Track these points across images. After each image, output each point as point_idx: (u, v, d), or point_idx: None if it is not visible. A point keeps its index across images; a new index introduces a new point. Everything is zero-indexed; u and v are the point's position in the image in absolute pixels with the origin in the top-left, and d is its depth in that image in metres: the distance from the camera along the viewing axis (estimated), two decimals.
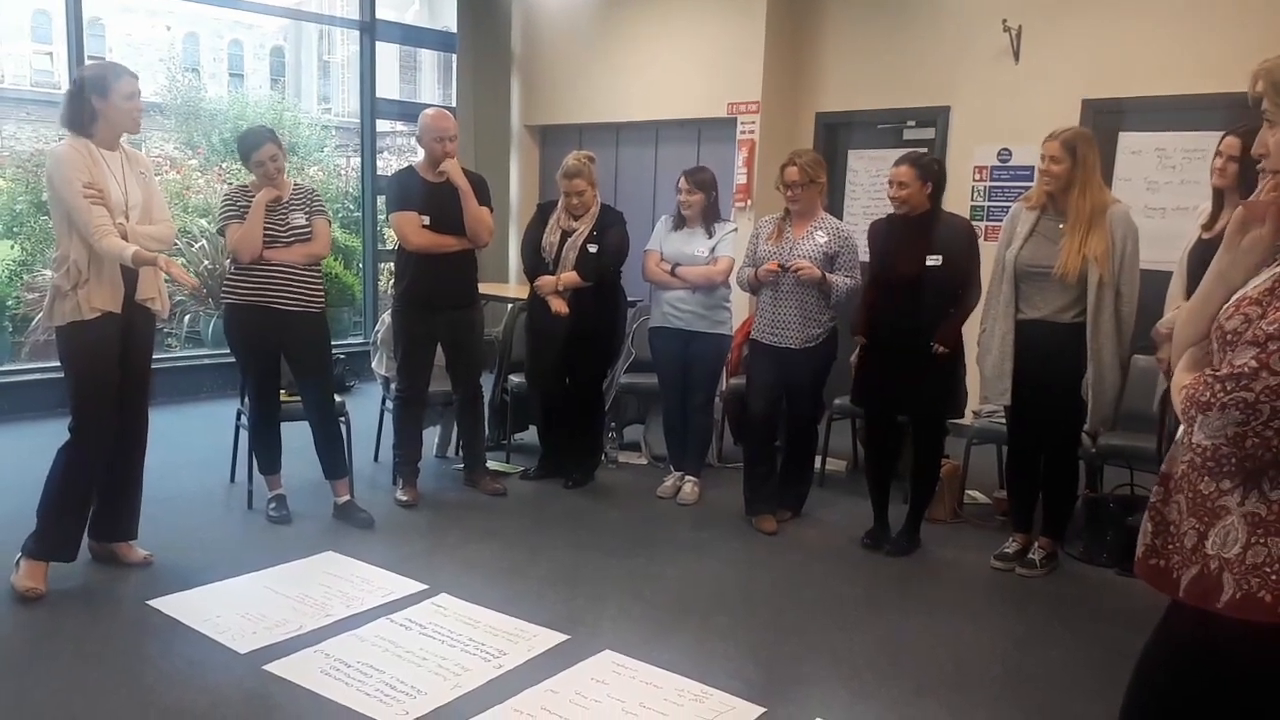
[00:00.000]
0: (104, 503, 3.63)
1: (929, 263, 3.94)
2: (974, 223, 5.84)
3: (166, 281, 3.59)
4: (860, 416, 5.17)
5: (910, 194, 3.94)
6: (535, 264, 4.76)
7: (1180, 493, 1.39)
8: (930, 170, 4.00)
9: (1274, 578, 1.31)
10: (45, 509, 3.42)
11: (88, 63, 3.43)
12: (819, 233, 4.26)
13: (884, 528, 4.24)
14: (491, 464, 5.05)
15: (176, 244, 7.78)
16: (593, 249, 4.65)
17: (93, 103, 3.34)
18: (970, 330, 4.09)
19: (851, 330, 4.26)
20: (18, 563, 3.42)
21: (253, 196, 4.05)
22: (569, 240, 4.65)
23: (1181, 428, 1.43)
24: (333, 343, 4.57)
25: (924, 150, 6.10)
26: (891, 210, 4.10)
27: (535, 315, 4.81)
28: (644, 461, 5.42)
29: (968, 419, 4.91)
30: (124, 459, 3.63)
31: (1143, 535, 1.48)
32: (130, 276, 3.44)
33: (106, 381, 3.43)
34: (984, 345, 3.92)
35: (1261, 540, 1.32)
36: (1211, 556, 1.35)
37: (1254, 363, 1.28)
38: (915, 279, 3.96)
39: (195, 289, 3.66)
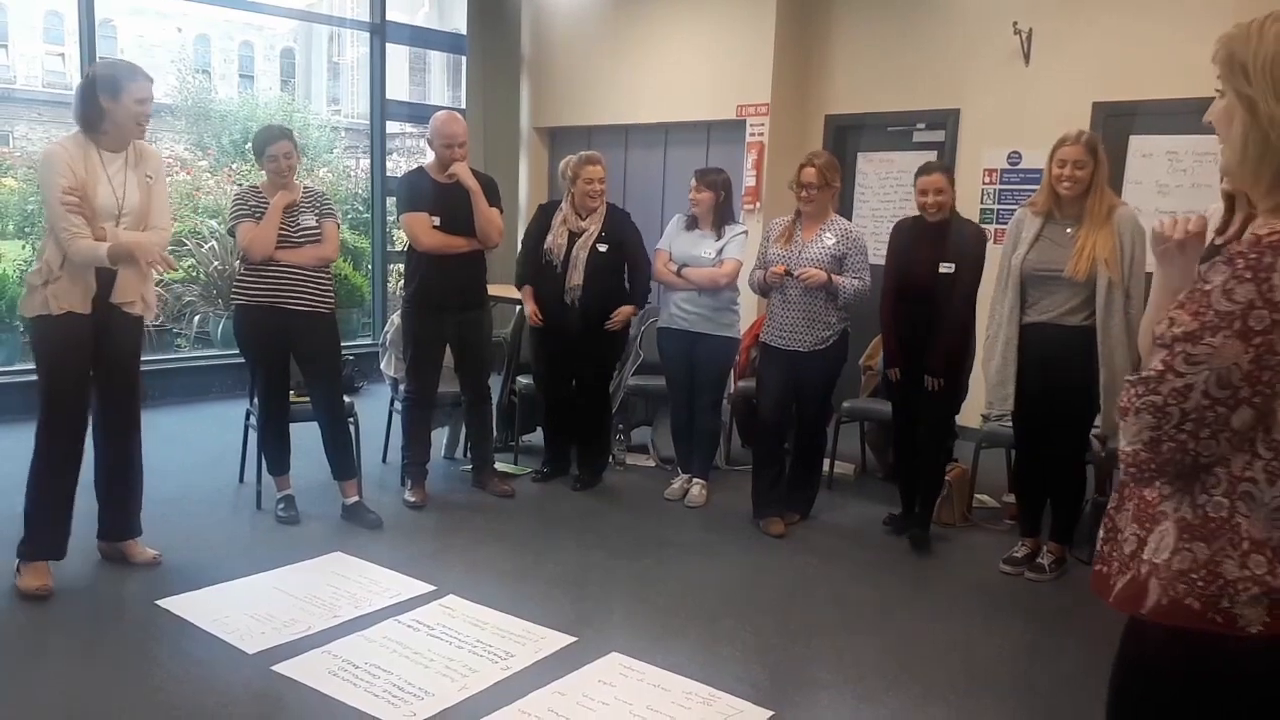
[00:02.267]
0: (103, 503, 3.65)
1: (942, 270, 4.03)
2: (984, 225, 5.84)
3: (161, 283, 3.58)
4: (869, 420, 5.18)
5: (946, 200, 4.07)
6: (534, 269, 4.76)
7: (1131, 499, 1.40)
8: (952, 175, 4.13)
9: (1200, 583, 1.31)
10: (28, 508, 3.43)
11: (102, 59, 3.39)
12: (827, 235, 4.25)
13: (910, 511, 4.34)
14: (499, 465, 5.05)
15: (185, 244, 7.84)
16: (603, 248, 4.65)
17: (102, 102, 3.30)
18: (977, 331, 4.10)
19: (885, 359, 4.36)
20: (17, 568, 3.44)
21: (264, 197, 4.07)
22: (579, 240, 4.65)
23: None
24: (342, 344, 4.58)
25: (933, 156, 6.15)
26: (912, 211, 4.17)
27: (543, 313, 4.78)
28: (652, 464, 5.42)
29: (976, 422, 4.89)
30: (118, 459, 3.63)
31: (1098, 543, 1.48)
32: (105, 278, 3.38)
33: (74, 379, 3.40)
34: (988, 350, 3.92)
35: (1188, 545, 1.32)
36: (1144, 561, 1.36)
37: (1160, 365, 1.28)
38: (929, 284, 4.05)
39: (170, 267, 3.64)
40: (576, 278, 4.62)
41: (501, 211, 4.56)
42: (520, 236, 8.07)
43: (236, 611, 3.34)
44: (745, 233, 4.72)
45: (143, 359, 6.27)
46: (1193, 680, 1.36)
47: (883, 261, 4.36)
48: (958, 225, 4.14)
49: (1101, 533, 1.46)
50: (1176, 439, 1.28)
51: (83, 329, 3.38)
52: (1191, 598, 1.31)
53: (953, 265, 4.03)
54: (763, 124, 6.59)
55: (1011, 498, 4.53)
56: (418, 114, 8.66)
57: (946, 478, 4.50)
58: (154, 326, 7.03)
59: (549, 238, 4.71)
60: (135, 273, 3.44)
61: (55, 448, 3.41)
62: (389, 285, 7.96)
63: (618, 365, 5.18)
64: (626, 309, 4.74)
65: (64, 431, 3.41)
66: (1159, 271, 1.54)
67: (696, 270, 4.61)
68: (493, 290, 5.00)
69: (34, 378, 3.45)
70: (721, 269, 4.59)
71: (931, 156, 6.17)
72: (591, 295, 4.64)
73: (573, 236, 4.67)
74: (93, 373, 3.51)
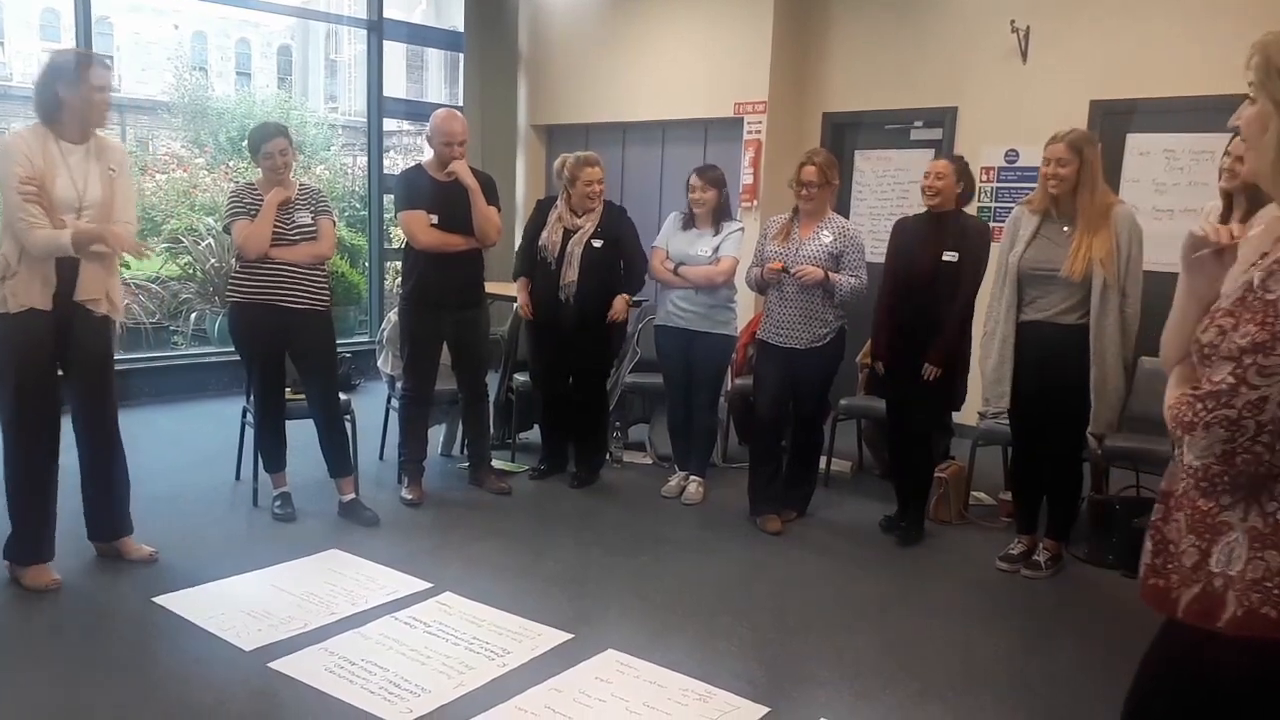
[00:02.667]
0: (88, 503, 3.63)
1: (945, 258, 4.04)
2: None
3: (155, 281, 3.51)
4: (866, 417, 5.18)
5: (945, 185, 4.06)
6: (531, 263, 4.77)
7: (1180, 510, 1.38)
8: (964, 172, 4.14)
9: (1276, 592, 1.29)
10: (10, 511, 3.40)
11: (56, 49, 3.26)
12: (824, 232, 4.26)
13: (906, 509, 4.32)
14: (496, 463, 5.05)
15: (182, 241, 7.83)
16: (598, 244, 4.65)
17: (59, 92, 3.22)
18: (974, 329, 4.10)
19: (873, 353, 4.39)
20: (9, 568, 3.43)
21: (259, 194, 4.06)
22: (574, 237, 4.65)
23: (1175, 445, 1.41)
24: (338, 341, 4.57)
25: (930, 154, 6.15)
26: (910, 209, 4.18)
27: (540, 310, 4.80)
28: (649, 461, 5.42)
29: (973, 420, 4.90)
30: (97, 460, 3.58)
31: (1144, 555, 1.46)
32: (67, 275, 3.29)
33: (38, 378, 3.32)
34: (985, 348, 3.92)
35: (1259, 555, 1.30)
36: (1216, 574, 1.33)
37: (1231, 379, 1.26)
38: (931, 275, 4.05)
39: (142, 253, 3.60)
40: (571, 274, 4.62)
41: (500, 210, 4.55)
42: (518, 235, 8.11)
43: (233, 609, 3.34)
44: (742, 229, 4.71)
45: (140, 356, 6.28)
46: (1264, 690, 1.34)
47: (879, 259, 4.37)
48: (963, 219, 4.16)
49: (1149, 545, 1.43)
50: (1252, 451, 1.26)
51: (44, 327, 3.29)
52: (1268, 606, 1.29)
53: (956, 254, 4.04)
54: (760, 122, 6.59)
55: (1008, 495, 4.53)
56: (415, 111, 8.67)
57: (943, 475, 4.51)
58: (151, 324, 7.04)
59: (544, 234, 4.71)
60: (99, 267, 3.36)
61: (27, 451, 3.35)
62: (386, 283, 7.96)
63: (615, 362, 5.19)
64: (621, 298, 4.72)
65: (35, 433, 3.35)
66: (1186, 278, 1.51)
67: (693, 269, 4.61)
68: (490, 288, 5.01)
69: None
70: (718, 267, 4.59)
71: (929, 154, 6.18)
72: (586, 292, 4.63)
73: (567, 234, 4.67)
74: (64, 374, 3.44)
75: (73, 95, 3.23)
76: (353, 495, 4.35)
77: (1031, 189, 4.18)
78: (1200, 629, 1.36)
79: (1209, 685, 1.39)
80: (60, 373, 3.44)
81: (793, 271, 4.20)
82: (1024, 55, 5.76)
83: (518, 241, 7.90)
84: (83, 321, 3.38)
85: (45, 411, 3.37)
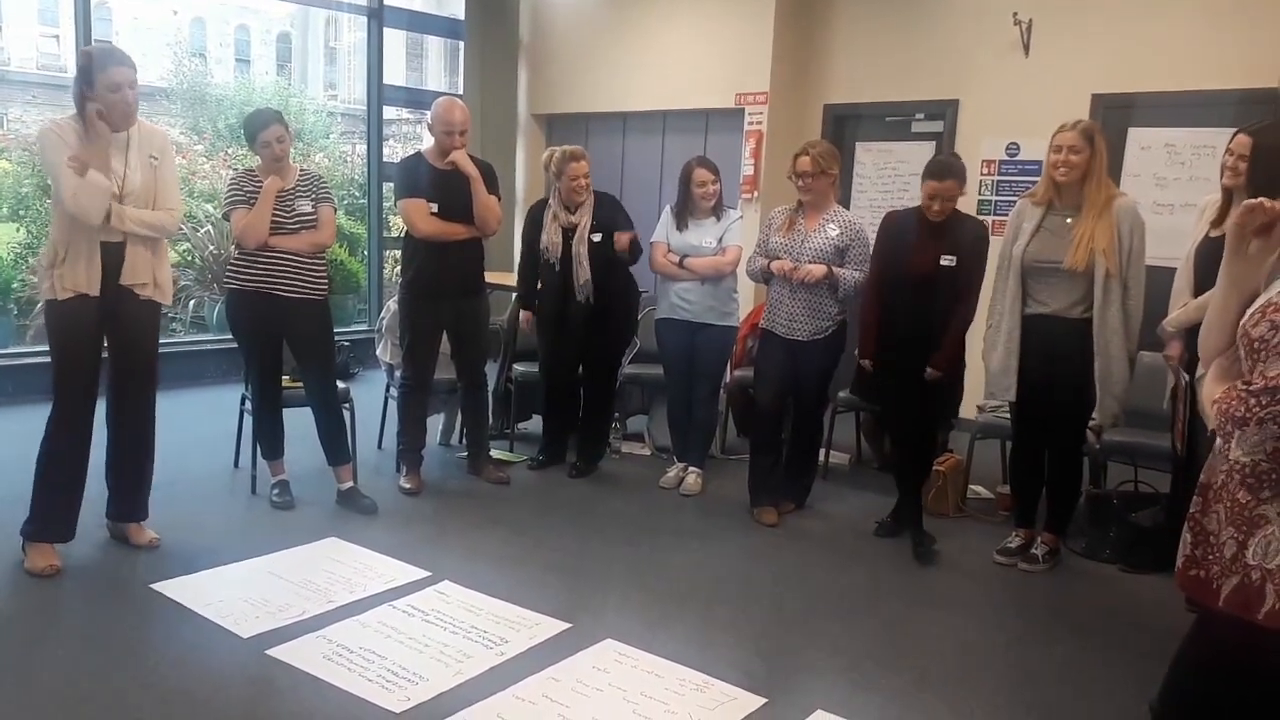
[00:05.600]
0: (113, 487, 3.69)
1: (943, 263, 3.90)
2: (982, 217, 5.84)
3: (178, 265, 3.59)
4: (866, 410, 5.18)
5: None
6: (533, 282, 4.80)
7: (1219, 502, 1.36)
8: (965, 178, 3.97)
9: None
10: (36, 490, 3.45)
11: (92, 44, 3.40)
12: (831, 225, 4.24)
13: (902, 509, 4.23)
14: (495, 452, 5.05)
15: (182, 229, 7.80)
16: (596, 238, 4.64)
17: (83, 91, 3.30)
18: (975, 327, 4.08)
19: (859, 351, 4.24)
20: (24, 548, 3.46)
21: (259, 181, 4.04)
22: (575, 236, 4.64)
23: (1219, 438, 1.40)
24: (337, 330, 4.56)
25: (931, 147, 6.13)
26: (911, 202, 4.09)
27: (548, 305, 4.80)
28: (647, 452, 5.42)
29: (971, 413, 4.90)
30: (131, 444, 3.64)
31: (1182, 546, 1.45)
32: (112, 259, 3.38)
33: (80, 362, 3.41)
34: (990, 341, 3.89)
35: None
36: (1253, 566, 1.32)
37: None
38: (929, 279, 3.91)
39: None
40: (584, 274, 4.63)
41: (500, 199, 4.54)
42: (517, 224, 8.07)
43: (231, 596, 3.35)
44: (741, 217, 4.71)
45: None
46: None
47: None
48: (963, 220, 4.00)
49: (1188, 536, 1.42)
50: None
51: (90, 312, 3.37)
52: None
53: (954, 258, 3.90)
54: (761, 113, 6.57)
55: (1006, 489, 4.53)
56: (415, 99, 8.63)
57: (941, 468, 4.51)
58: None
59: (543, 237, 4.71)
60: (146, 251, 3.46)
61: (63, 431, 3.42)
62: (385, 271, 7.94)
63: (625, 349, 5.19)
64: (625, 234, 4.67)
65: (73, 416, 3.42)
66: (1228, 265, 1.48)
67: (699, 260, 4.59)
68: (490, 277, 5.00)
69: (31, 360, 3.45)
70: (725, 257, 4.57)
71: (930, 147, 6.18)
72: (597, 286, 4.65)
73: (566, 234, 4.66)
74: (109, 357, 3.51)
75: (92, 94, 3.30)
76: (351, 483, 4.35)
77: (1032, 183, 4.14)
78: (1241, 628, 1.35)
79: (1249, 682, 1.39)
80: (104, 355, 3.52)
81: (794, 277, 4.17)
82: (1026, 48, 5.75)
83: (518, 229, 7.85)
84: (130, 307, 3.47)
85: (86, 395, 3.45)
